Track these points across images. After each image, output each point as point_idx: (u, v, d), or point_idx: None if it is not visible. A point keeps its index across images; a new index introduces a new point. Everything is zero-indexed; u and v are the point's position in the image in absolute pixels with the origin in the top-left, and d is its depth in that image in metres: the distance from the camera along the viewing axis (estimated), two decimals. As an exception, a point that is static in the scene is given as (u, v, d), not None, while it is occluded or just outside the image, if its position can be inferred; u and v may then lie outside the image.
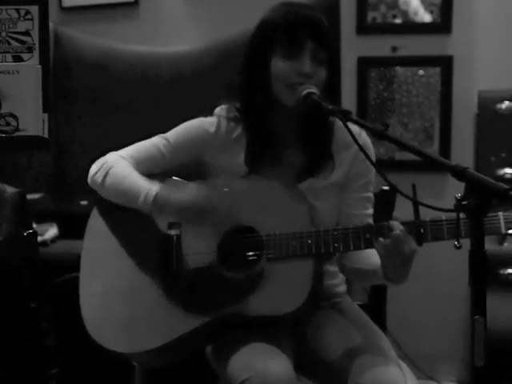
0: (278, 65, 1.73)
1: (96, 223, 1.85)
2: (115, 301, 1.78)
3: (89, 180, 1.82)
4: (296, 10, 1.74)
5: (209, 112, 1.87)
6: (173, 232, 1.73)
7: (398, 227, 1.60)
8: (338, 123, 1.79)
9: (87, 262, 1.84)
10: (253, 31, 1.79)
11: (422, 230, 1.61)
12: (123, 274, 1.79)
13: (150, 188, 1.73)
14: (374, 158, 1.77)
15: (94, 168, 1.82)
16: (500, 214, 1.58)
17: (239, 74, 1.81)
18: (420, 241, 1.61)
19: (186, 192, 1.73)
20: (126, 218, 1.81)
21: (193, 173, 1.85)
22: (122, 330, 1.75)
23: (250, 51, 1.79)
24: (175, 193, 1.73)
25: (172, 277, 1.73)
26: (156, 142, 1.83)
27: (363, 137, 1.79)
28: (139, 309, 1.75)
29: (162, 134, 1.85)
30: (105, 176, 1.78)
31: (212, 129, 1.82)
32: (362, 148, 1.56)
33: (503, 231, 1.58)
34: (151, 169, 1.82)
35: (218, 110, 1.87)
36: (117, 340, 1.75)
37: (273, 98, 1.75)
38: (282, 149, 1.82)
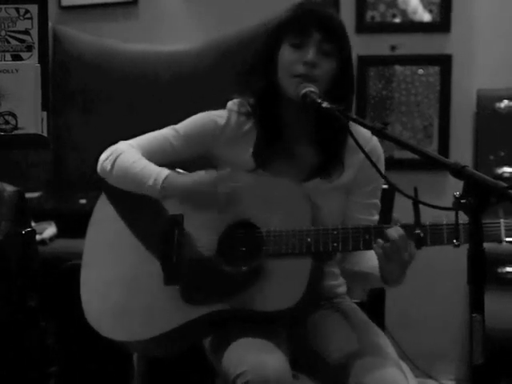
0: (285, 53, 1.74)
1: (102, 211, 1.86)
2: (115, 289, 1.78)
3: (98, 167, 1.84)
4: (307, 5, 1.77)
5: (220, 106, 1.87)
6: (177, 214, 1.73)
7: (397, 233, 1.59)
8: (352, 127, 1.77)
9: (90, 250, 1.85)
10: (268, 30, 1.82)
11: (422, 235, 1.61)
12: (124, 263, 1.80)
13: (159, 171, 1.74)
14: (383, 162, 1.77)
15: (103, 156, 1.83)
16: (501, 221, 1.57)
17: (249, 63, 1.83)
18: (419, 245, 1.60)
19: (194, 176, 1.75)
20: (132, 208, 1.82)
21: (200, 166, 1.85)
22: (120, 318, 1.76)
23: (261, 45, 1.81)
24: (184, 177, 1.75)
25: (172, 268, 1.73)
26: (166, 133, 1.85)
27: (374, 142, 1.78)
28: (138, 298, 1.76)
29: (173, 126, 1.86)
30: (114, 161, 1.79)
31: (222, 121, 1.83)
32: (366, 154, 1.55)
33: (503, 238, 1.58)
34: (160, 159, 1.82)
35: (230, 104, 1.87)
36: (115, 328, 1.75)
37: (279, 88, 1.75)
38: (291, 145, 1.82)
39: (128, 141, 1.85)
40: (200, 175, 1.75)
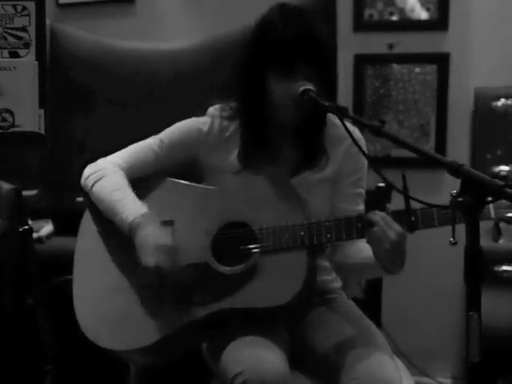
0: (273, 85, 1.73)
1: (88, 224, 1.86)
2: (109, 299, 1.78)
3: (81, 181, 1.85)
4: (290, 28, 1.71)
5: (203, 110, 1.88)
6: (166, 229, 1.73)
7: (378, 214, 1.62)
8: (330, 120, 1.80)
9: (80, 263, 1.84)
10: (249, 40, 1.79)
11: (413, 218, 1.63)
12: (116, 272, 1.79)
13: (129, 213, 1.72)
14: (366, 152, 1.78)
15: (87, 171, 1.84)
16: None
17: (235, 80, 1.82)
18: (412, 228, 1.62)
19: (157, 234, 1.70)
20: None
21: (187, 172, 1.86)
22: (116, 328, 1.75)
23: (245, 64, 1.79)
24: (148, 229, 1.69)
25: (165, 273, 1.73)
26: (150, 143, 1.86)
27: (356, 133, 1.79)
28: (133, 306, 1.75)
29: (156, 135, 1.87)
30: (95, 183, 1.80)
31: (205, 128, 1.84)
32: (355, 141, 1.57)
33: (493, 216, 1.60)
34: (146, 170, 1.84)
35: (211, 109, 1.89)
36: (112, 338, 1.75)
37: (269, 109, 1.77)
38: (275, 145, 1.84)
39: (113, 156, 1.85)
40: (161, 238, 1.69)
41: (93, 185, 1.80)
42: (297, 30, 1.71)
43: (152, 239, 1.68)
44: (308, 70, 1.71)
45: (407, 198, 1.55)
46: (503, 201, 1.57)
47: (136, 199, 1.76)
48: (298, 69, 1.71)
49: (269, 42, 1.73)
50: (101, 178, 1.79)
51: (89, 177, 1.82)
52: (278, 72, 1.72)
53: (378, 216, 1.62)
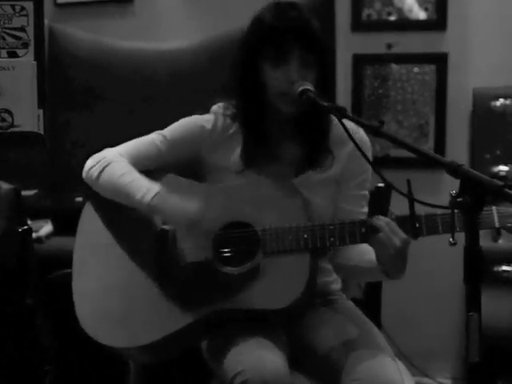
0: (268, 74, 1.73)
1: (89, 219, 1.85)
2: (110, 296, 1.77)
3: (84, 174, 1.82)
4: (281, 16, 1.73)
5: (205, 109, 1.88)
6: (168, 227, 1.73)
7: (382, 219, 1.61)
8: (335, 120, 1.79)
9: (80, 258, 1.83)
10: (243, 35, 1.79)
11: (418, 225, 1.62)
12: (117, 269, 1.78)
13: (150, 188, 1.72)
14: (370, 156, 1.77)
15: (89, 162, 1.81)
16: (493, 208, 1.59)
17: (232, 76, 1.81)
18: (416, 235, 1.61)
19: (183, 201, 1.72)
20: (120, 214, 1.80)
21: (189, 170, 1.85)
22: (116, 324, 1.74)
23: (240, 57, 1.79)
24: (173, 198, 1.72)
25: (167, 271, 1.73)
26: (153, 138, 1.84)
27: (360, 134, 1.78)
28: (134, 304, 1.74)
29: (159, 131, 1.85)
30: (101, 171, 1.77)
31: (209, 126, 1.83)
32: (357, 144, 1.56)
33: (497, 225, 1.60)
34: (148, 165, 1.82)
35: (214, 107, 1.88)
36: (112, 335, 1.74)
37: (267, 103, 1.76)
38: (278, 144, 1.83)
39: (115, 148, 1.83)
40: (189, 201, 1.71)
41: (99, 174, 1.77)
42: (289, 18, 1.72)
43: (181, 212, 1.69)
44: (302, 56, 1.71)
45: (412, 204, 1.54)
46: (508, 209, 1.58)
47: (146, 179, 1.74)
48: (292, 54, 1.70)
49: (262, 33, 1.73)
50: (107, 166, 1.77)
51: (92, 167, 1.79)
52: (272, 60, 1.71)
53: (382, 222, 1.61)
